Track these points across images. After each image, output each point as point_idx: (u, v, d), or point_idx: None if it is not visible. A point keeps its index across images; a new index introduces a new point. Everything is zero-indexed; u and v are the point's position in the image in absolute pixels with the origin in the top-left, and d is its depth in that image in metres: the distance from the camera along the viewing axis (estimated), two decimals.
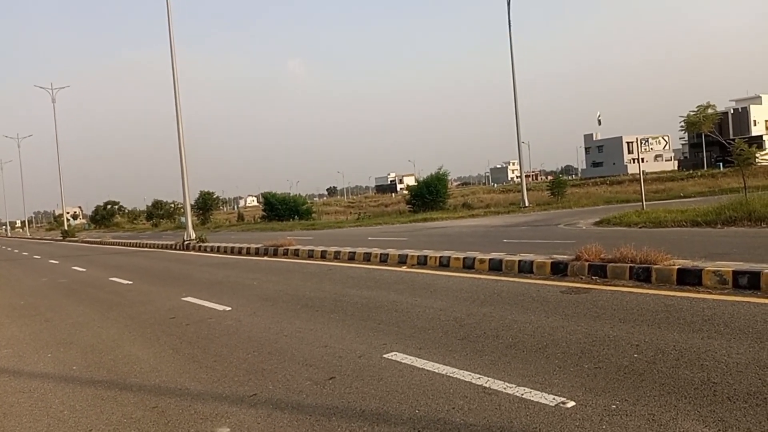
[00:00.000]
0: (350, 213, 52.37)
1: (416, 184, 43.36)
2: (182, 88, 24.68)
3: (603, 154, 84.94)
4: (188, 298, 9.61)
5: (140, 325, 7.80)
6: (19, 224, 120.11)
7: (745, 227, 13.60)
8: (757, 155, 19.01)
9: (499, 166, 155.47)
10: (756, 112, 70.67)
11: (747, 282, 6.53)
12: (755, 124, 69.52)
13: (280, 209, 45.43)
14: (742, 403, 3.52)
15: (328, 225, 36.02)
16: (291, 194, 53.22)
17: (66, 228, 60.48)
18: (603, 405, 3.67)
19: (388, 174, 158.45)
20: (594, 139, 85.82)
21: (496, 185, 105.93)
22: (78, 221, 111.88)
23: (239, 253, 18.72)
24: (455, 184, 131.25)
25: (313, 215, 46.78)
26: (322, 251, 14.66)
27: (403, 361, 4.97)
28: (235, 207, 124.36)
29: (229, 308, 8.36)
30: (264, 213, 48.77)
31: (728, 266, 6.96)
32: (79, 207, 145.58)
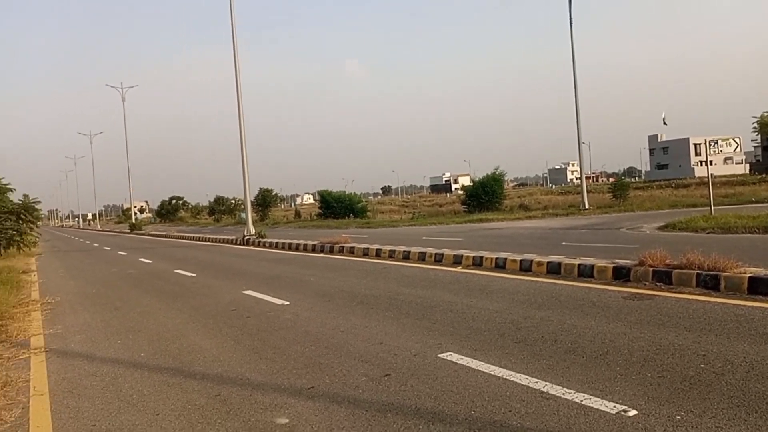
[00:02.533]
0: (404, 212, 52.41)
1: (472, 184, 42.90)
2: (244, 88, 25.45)
3: (668, 155, 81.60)
4: (248, 292, 9.90)
5: (203, 316, 8.10)
6: (90, 217, 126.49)
7: None
8: None
9: (557, 167, 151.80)
10: None
11: None
12: None
13: (335, 207, 45.97)
14: None
15: (382, 224, 36.18)
16: (346, 192, 53.75)
17: (133, 221, 63.28)
18: (667, 415, 3.56)
19: (443, 174, 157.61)
20: (659, 140, 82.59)
21: (554, 186, 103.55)
22: (144, 215, 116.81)
23: (296, 249, 19.10)
24: (512, 185, 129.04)
25: (368, 213, 47.04)
26: (377, 249, 14.77)
27: (458, 362, 4.96)
28: (292, 204, 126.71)
29: (288, 302, 8.56)
30: (320, 210, 49.45)
31: None
32: (146, 201, 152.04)
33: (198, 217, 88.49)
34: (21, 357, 6.31)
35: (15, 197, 25.33)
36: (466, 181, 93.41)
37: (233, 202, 73.22)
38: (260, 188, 58.34)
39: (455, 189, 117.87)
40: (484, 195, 38.30)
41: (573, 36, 33.25)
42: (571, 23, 33.18)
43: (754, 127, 46.58)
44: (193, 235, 35.83)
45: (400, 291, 8.97)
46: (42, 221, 34.79)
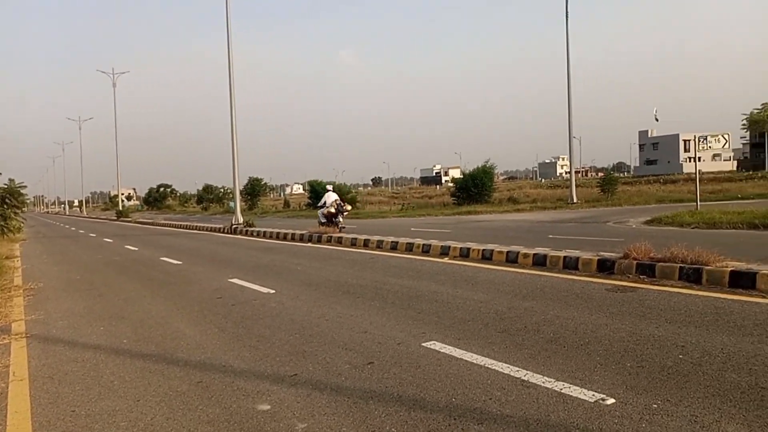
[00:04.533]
0: (394, 203, 52.42)
1: (462, 176, 42.96)
2: (236, 78, 25.23)
3: (658, 151, 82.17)
4: (234, 280, 9.87)
5: (188, 303, 8.07)
6: (76, 203, 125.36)
7: None
8: None
9: (547, 161, 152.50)
10: None
11: None
12: None
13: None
14: None
15: (371, 215, 36.19)
16: (336, 183, 53.67)
17: (120, 208, 62.82)
18: (644, 404, 3.60)
19: (434, 166, 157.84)
20: (649, 135, 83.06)
21: (543, 180, 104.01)
22: (132, 202, 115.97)
23: (284, 238, 19.06)
24: (501, 178, 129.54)
25: (358, 204, 47.07)
26: (364, 240, 14.78)
27: (441, 351, 4.99)
28: (282, 194, 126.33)
29: (273, 291, 8.54)
30: (309, 200, 49.36)
31: None
32: (133, 189, 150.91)
33: (186, 205, 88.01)
34: (1, 342, 6.26)
35: (0, 181, 25.00)
36: (456, 173, 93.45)
37: (222, 190, 72.89)
38: (249, 177, 58.17)
39: (445, 181, 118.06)
40: (474, 187, 38.38)
41: (569, 31, 33.33)
42: (567, 18, 33.25)
43: (744, 124, 47.00)
44: (180, 223, 35.63)
45: (387, 281, 8.99)
46: (27, 207, 34.36)
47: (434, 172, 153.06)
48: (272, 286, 8.98)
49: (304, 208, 48.20)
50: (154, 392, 4.40)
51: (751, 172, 54.96)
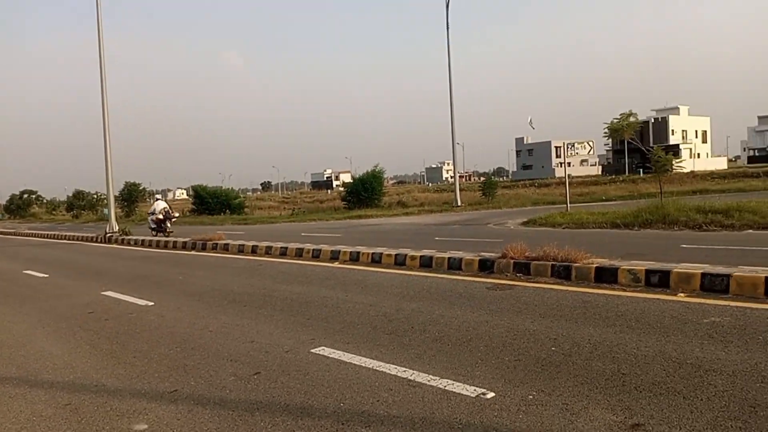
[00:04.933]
0: (284, 208, 51.69)
1: (352, 181, 43.31)
2: (110, 78, 23.56)
3: (533, 157, 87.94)
4: (108, 293, 9.20)
5: (55, 320, 7.40)
6: None
7: (659, 230, 14.44)
8: (673, 163, 20.14)
9: (434, 165, 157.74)
10: (674, 122, 75.25)
11: (658, 280, 6.95)
12: (673, 134, 73.94)
13: (210, 203, 44.15)
14: (648, 392, 3.74)
15: (261, 220, 35.38)
16: (223, 187, 51.86)
17: None
18: (521, 395, 3.81)
19: (325, 170, 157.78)
20: (525, 142, 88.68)
21: (431, 184, 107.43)
22: None
23: (165, 246, 18.09)
24: (391, 182, 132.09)
25: (246, 210, 45.81)
26: (253, 246, 14.41)
27: (330, 356, 4.97)
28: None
29: (152, 303, 8.07)
30: (193, 206, 47.28)
31: (642, 265, 7.37)
32: None
33: (54, 213, 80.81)
34: None
35: None
36: (347, 177, 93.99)
37: (95, 197, 67.78)
38: (126, 182, 54.53)
39: (336, 186, 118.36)
40: (365, 192, 38.77)
41: (450, 40, 34.70)
42: (447, 27, 34.58)
43: (605, 132, 51.50)
44: (47, 232, 32.68)
45: (276, 288, 8.82)
46: None
47: (325, 176, 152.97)
48: (151, 297, 8.48)
49: (188, 214, 46.09)
50: (15, 419, 3.99)
51: (614, 176, 60.42)
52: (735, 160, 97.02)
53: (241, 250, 14.67)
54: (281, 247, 13.50)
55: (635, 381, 3.95)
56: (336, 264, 11.13)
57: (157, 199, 23.67)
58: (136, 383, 4.60)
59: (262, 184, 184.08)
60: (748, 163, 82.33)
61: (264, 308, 7.26)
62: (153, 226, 21.86)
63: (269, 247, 13.84)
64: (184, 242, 17.30)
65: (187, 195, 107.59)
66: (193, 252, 16.08)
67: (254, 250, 14.17)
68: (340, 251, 11.78)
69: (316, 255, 12.25)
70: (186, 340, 5.88)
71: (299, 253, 12.76)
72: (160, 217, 21.56)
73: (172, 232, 21.39)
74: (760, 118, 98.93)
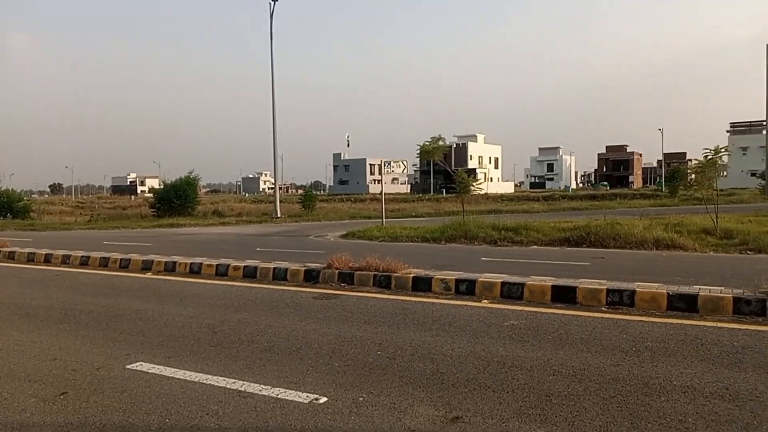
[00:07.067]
0: (80, 214, 46.60)
1: (162, 186, 40.58)
2: None
3: (349, 173, 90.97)
4: None
5: None
6: None
7: (462, 244, 15.90)
8: (474, 185, 22.34)
9: (251, 176, 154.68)
10: (473, 148, 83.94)
11: (466, 288, 7.69)
12: (471, 159, 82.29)
13: None
14: (463, 388, 4.14)
15: (51, 226, 31.41)
16: (3, 188, 45.11)
17: None
18: (352, 398, 3.97)
19: (128, 174, 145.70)
20: (342, 158, 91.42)
21: (247, 195, 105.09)
22: None
23: None
24: (204, 191, 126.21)
25: (32, 214, 40.40)
26: (46, 254, 12.78)
27: (150, 371, 4.65)
28: None
29: None
30: None
31: (452, 275, 8.09)
32: None
33: None
34: None
35: None
36: (155, 183, 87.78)
37: None
38: None
39: (142, 191, 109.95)
40: (177, 199, 36.55)
41: (273, 51, 34.47)
42: (271, 37, 34.33)
43: (417, 154, 55.34)
44: None
45: (78, 300, 7.95)
46: None
47: (129, 181, 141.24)
48: None
49: None
50: None
51: (420, 195, 65.09)
52: (520, 185, 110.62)
53: (31, 258, 12.92)
54: (82, 256, 12.18)
55: (452, 379, 4.34)
56: (149, 275, 10.38)
57: None
58: None
59: (51, 187, 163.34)
60: (530, 188, 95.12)
61: (66, 323, 6.51)
62: None
63: (67, 256, 12.40)
64: None
65: None
66: None
67: (48, 259, 12.59)
68: (153, 261, 11.00)
69: (125, 265, 11.29)
70: None
71: (104, 263, 11.64)
72: None
73: None
74: (540, 149, 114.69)
